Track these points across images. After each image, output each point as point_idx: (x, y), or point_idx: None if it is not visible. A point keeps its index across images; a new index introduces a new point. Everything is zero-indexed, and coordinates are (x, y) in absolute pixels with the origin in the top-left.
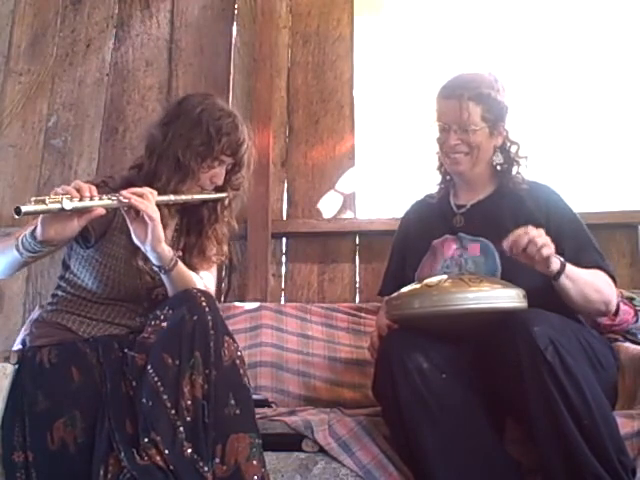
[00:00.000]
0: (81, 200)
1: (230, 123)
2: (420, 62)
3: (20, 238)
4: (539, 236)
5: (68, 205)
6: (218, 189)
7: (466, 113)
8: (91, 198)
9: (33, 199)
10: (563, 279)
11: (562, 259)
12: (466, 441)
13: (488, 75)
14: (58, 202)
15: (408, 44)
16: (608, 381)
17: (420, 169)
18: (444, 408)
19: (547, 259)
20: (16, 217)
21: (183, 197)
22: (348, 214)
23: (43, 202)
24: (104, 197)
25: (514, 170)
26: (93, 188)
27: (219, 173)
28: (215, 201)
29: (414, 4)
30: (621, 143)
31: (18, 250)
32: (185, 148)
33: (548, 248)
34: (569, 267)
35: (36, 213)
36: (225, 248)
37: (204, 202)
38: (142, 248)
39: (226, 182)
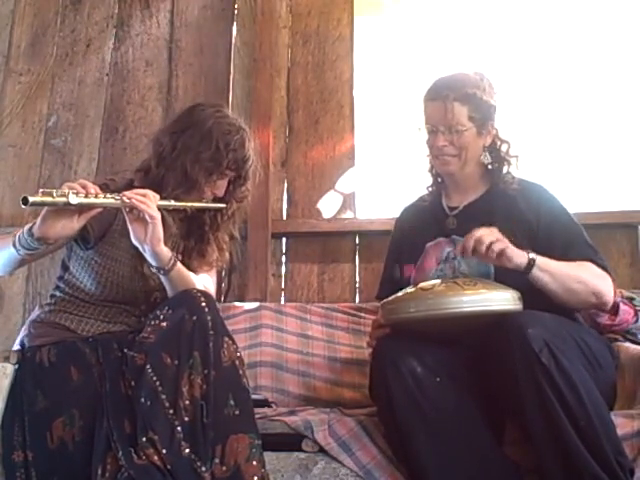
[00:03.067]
0: (87, 196)
1: (239, 139)
2: (420, 62)
3: (17, 234)
4: (488, 234)
5: (74, 200)
6: (220, 199)
7: (451, 114)
8: (96, 196)
9: (41, 190)
10: (536, 272)
11: (531, 254)
12: (461, 444)
13: (474, 74)
14: (64, 196)
15: (408, 44)
16: (606, 381)
17: (420, 169)
18: (438, 412)
19: (502, 254)
20: (23, 207)
21: (183, 204)
22: (348, 214)
23: (50, 195)
24: (108, 196)
25: (504, 169)
26: (97, 187)
27: (221, 186)
28: (214, 210)
29: (414, 4)
30: (620, 143)
31: (15, 247)
32: (194, 161)
33: (500, 243)
34: (541, 260)
35: (43, 204)
36: (226, 255)
37: (207, 214)
38: (140, 249)
39: (229, 194)
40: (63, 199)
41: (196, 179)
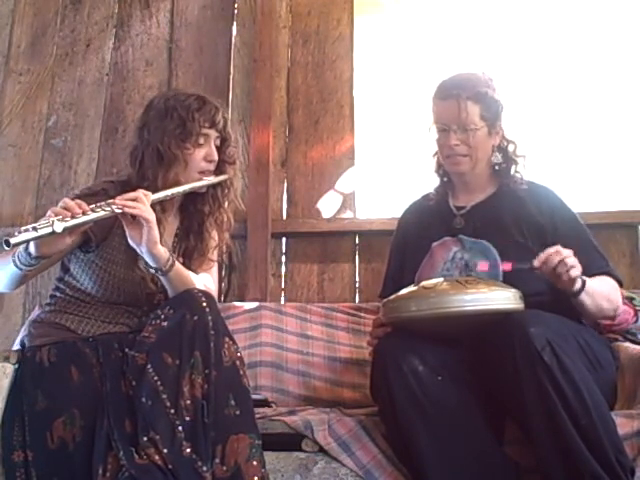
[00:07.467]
0: (73, 218)
1: (197, 99)
2: (420, 62)
3: (16, 253)
4: (569, 257)
5: (59, 227)
6: (218, 172)
7: (464, 113)
8: (83, 213)
9: (22, 228)
10: (583, 296)
11: (584, 277)
12: (462, 443)
13: (482, 74)
14: (49, 226)
15: (408, 44)
16: (607, 381)
17: (420, 169)
18: (439, 410)
19: (574, 280)
20: (6, 249)
21: (180, 189)
22: (348, 214)
23: (34, 229)
24: (96, 209)
25: (513, 169)
26: (82, 203)
27: (209, 150)
28: (213, 186)
29: (414, 4)
30: (621, 143)
31: (16, 264)
32: (162, 138)
33: (577, 269)
34: (589, 283)
35: (27, 241)
36: (226, 235)
37: (207, 199)
38: (138, 250)
39: (220, 160)
40: (48, 230)
41: (170, 151)
